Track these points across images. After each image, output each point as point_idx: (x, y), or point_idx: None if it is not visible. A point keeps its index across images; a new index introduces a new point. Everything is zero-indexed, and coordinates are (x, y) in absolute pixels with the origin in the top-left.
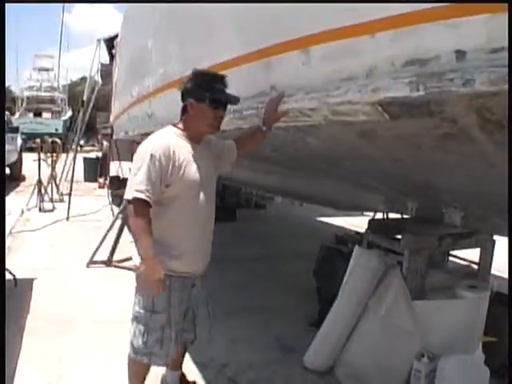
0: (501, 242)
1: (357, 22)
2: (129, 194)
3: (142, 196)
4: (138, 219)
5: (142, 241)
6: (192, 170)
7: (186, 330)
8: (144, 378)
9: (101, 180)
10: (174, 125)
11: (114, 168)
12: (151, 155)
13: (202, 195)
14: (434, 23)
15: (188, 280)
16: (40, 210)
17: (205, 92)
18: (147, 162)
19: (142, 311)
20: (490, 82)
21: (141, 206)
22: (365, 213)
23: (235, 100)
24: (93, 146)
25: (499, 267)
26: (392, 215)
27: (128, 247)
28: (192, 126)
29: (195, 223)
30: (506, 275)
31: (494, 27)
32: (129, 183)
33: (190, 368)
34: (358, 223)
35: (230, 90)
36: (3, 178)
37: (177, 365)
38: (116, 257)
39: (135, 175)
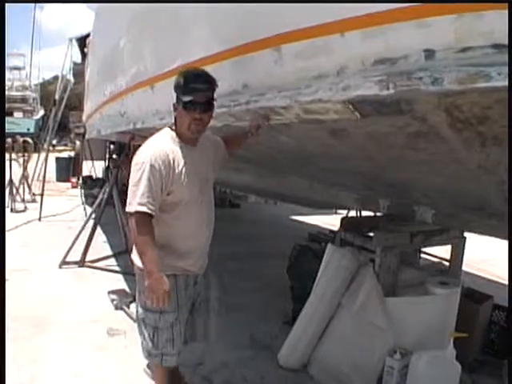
0: (471, 238)
1: (328, 21)
2: (131, 207)
3: (145, 209)
4: (142, 233)
5: (147, 255)
6: (192, 176)
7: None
8: (168, 372)
9: (73, 180)
10: (170, 127)
11: (87, 167)
12: (151, 166)
13: (202, 197)
14: (403, 23)
15: (190, 278)
16: (12, 210)
17: (179, 95)
18: (147, 174)
19: (148, 314)
20: (459, 81)
21: (143, 218)
22: (339, 211)
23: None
24: (65, 145)
25: (469, 263)
26: (365, 213)
27: (101, 247)
28: (179, 129)
29: (198, 224)
30: (475, 271)
31: (462, 27)
32: (130, 195)
33: None
34: (332, 221)
35: None
36: (3, 180)
37: None
38: (89, 257)
39: (136, 187)
